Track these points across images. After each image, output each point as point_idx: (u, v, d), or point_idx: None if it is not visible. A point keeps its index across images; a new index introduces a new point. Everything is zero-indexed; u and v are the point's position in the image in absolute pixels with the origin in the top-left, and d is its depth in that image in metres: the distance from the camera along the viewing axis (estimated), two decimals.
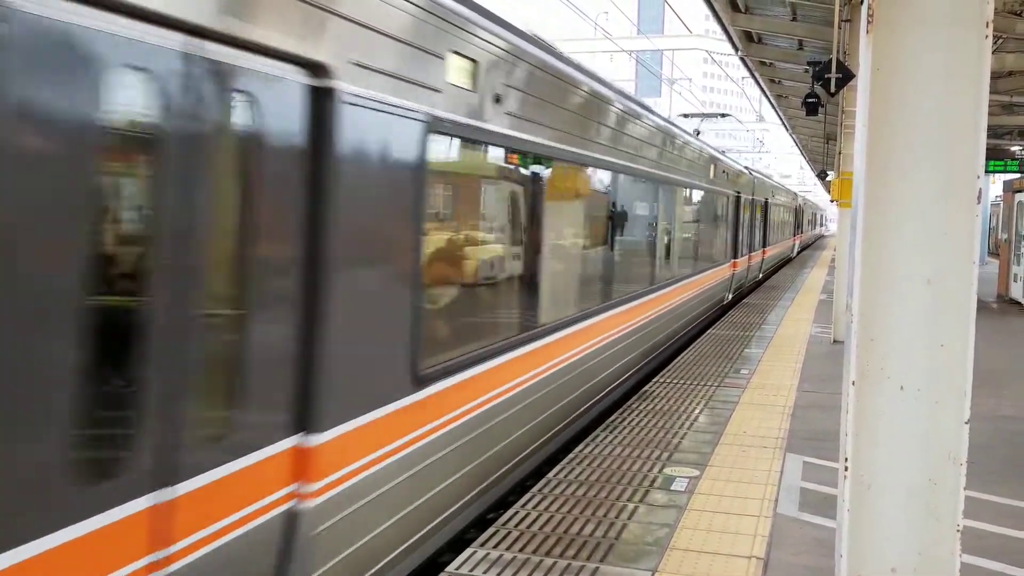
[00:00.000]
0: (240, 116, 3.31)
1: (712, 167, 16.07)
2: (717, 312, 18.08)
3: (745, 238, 21.55)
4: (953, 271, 3.06)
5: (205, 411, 3.21)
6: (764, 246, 26.33)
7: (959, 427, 3.10)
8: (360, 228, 4.08)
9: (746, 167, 23.09)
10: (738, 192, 19.85)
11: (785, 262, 37.69)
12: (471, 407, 5.43)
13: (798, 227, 46.60)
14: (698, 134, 19.26)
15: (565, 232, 7.71)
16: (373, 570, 4.43)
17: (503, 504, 6.52)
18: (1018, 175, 22.39)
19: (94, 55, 2.62)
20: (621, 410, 8.75)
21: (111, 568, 2.79)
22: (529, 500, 5.97)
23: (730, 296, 19.80)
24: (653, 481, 6.46)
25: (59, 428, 2.59)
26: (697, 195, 14.89)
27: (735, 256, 19.72)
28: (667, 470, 6.74)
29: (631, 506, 5.90)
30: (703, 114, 24.83)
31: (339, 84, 3.81)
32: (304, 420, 3.68)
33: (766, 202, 26.49)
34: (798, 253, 46.68)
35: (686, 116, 24.87)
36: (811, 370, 11.29)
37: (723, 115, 24.55)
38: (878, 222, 3.12)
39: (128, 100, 2.81)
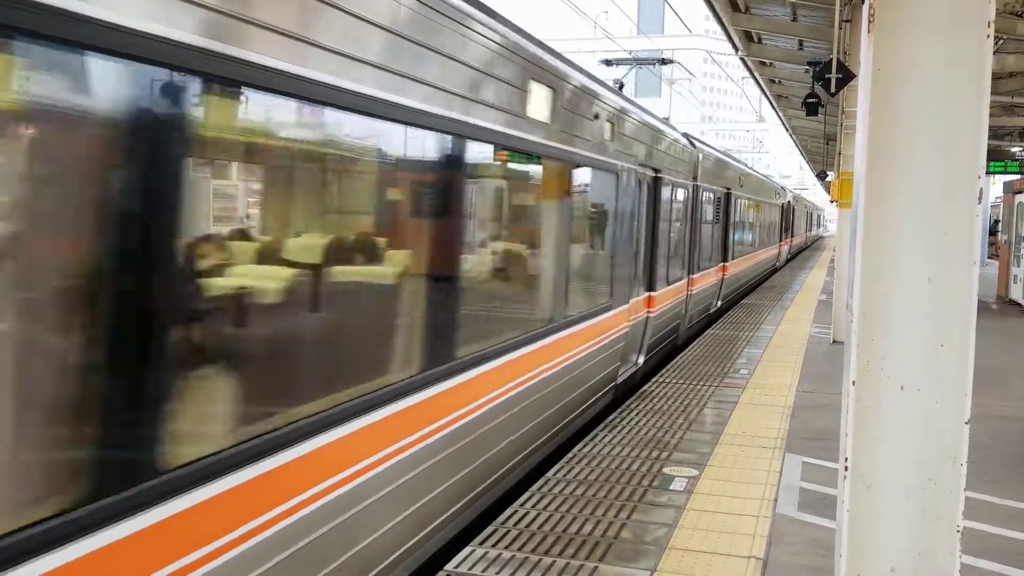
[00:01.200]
0: None
1: (596, 121, 8.07)
2: (606, 400, 9.41)
3: (678, 252, 12.92)
4: (954, 271, 3.06)
5: None
6: (724, 260, 17.81)
7: (959, 427, 3.10)
8: None
9: (686, 134, 14.17)
10: (657, 173, 10.97)
11: (770, 273, 30.31)
12: None
13: (786, 230, 36.84)
14: (622, 88, 13.75)
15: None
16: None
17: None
18: (1018, 176, 22.40)
19: None
20: (620, 410, 8.75)
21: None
22: (528, 499, 5.98)
23: (640, 360, 10.76)
24: (652, 481, 6.47)
25: None
26: (554, 172, 7.13)
27: (651, 287, 10.94)
28: (666, 470, 6.74)
29: (630, 505, 5.91)
30: (635, 60, 18.33)
31: None
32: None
33: (727, 195, 17.84)
34: (787, 261, 38.18)
35: (610, 63, 18.11)
36: (811, 370, 11.30)
37: (663, 61, 18.16)
38: (878, 222, 3.12)
39: None
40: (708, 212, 15.74)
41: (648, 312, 10.98)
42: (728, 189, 17.93)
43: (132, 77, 2.84)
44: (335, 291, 4.16)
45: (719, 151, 18.57)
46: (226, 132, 3.41)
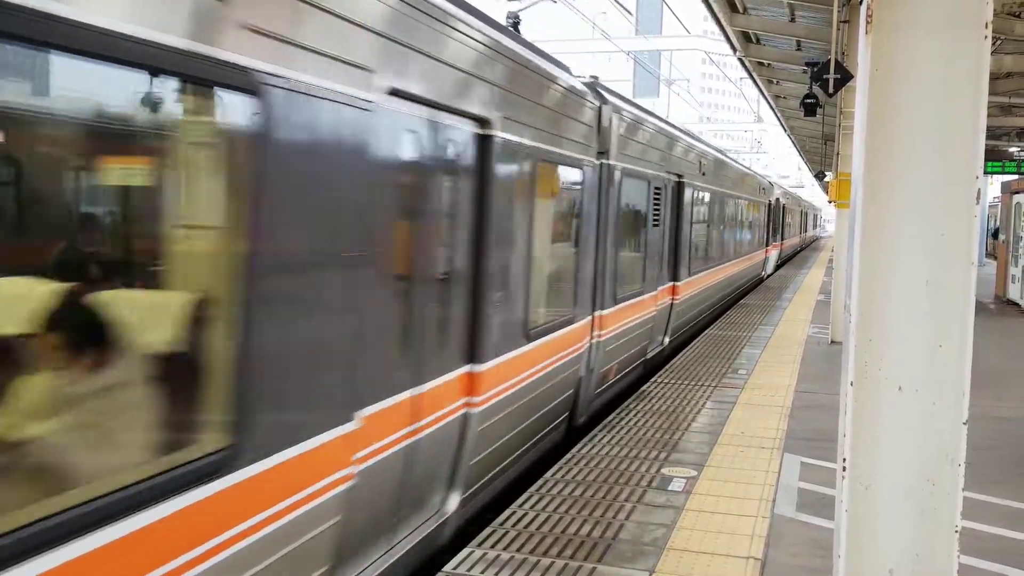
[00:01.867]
0: None
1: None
2: None
3: (567, 276, 8.01)
4: (952, 271, 3.06)
5: None
6: (674, 278, 12.60)
7: (957, 428, 3.10)
8: None
9: (593, 83, 9.16)
10: (484, 127, 5.63)
11: (754, 284, 25.23)
12: None
13: (775, 232, 31.43)
14: (516, 25, 10.77)
15: None
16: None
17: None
18: (1016, 176, 22.43)
19: None
20: (619, 410, 8.74)
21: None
22: (526, 500, 5.97)
23: (450, 504, 5.52)
24: (651, 481, 6.46)
25: None
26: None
27: (475, 356, 5.67)
28: (665, 470, 6.74)
29: (629, 506, 5.90)
30: None
31: None
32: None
33: (679, 185, 12.77)
34: (777, 268, 32.72)
35: None
36: (809, 370, 11.30)
37: None
38: (877, 222, 3.12)
39: None
40: (639, 209, 10.46)
41: (471, 405, 5.65)
42: (679, 177, 12.65)
43: None
44: None
45: (663, 120, 12.77)
46: None
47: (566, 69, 8.12)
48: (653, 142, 11.05)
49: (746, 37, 18.65)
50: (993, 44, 14.40)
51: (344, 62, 3.89)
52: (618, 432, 7.85)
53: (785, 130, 36.86)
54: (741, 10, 16.59)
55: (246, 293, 3.35)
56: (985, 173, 3.39)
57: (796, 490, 6.41)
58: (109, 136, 3.01)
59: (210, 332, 3.32)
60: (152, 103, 2.99)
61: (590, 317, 8.50)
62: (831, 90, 11.77)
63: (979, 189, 3.04)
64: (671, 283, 12.45)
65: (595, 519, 5.64)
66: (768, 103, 28.39)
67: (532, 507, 5.83)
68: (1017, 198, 20.80)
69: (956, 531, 3.13)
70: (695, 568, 4.94)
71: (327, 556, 4.03)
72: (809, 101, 15.07)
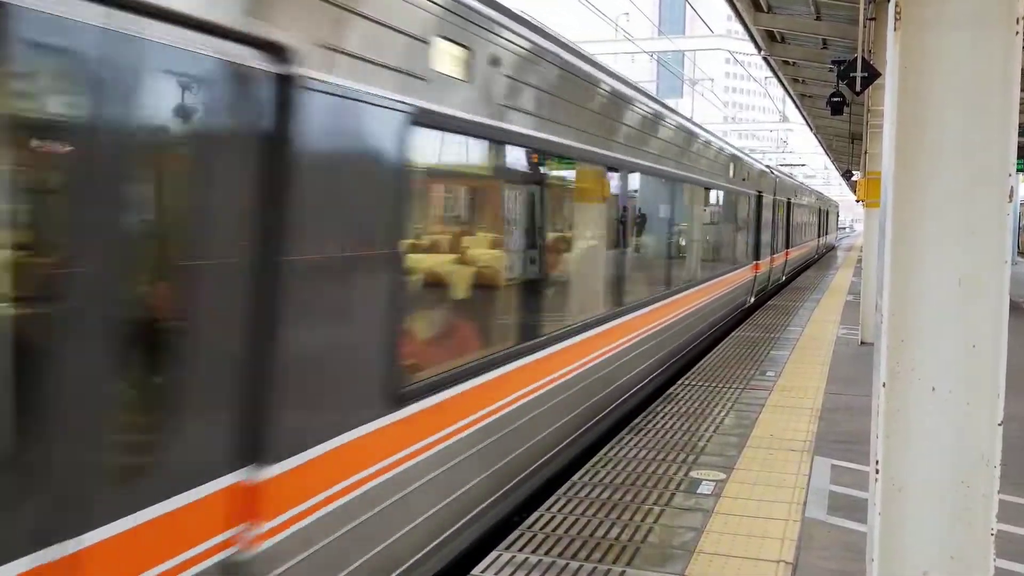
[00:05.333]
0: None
1: None
2: None
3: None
4: (985, 270, 3.02)
5: None
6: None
7: (992, 429, 3.06)
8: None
9: None
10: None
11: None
12: None
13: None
14: None
15: None
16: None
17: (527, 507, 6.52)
18: None
19: None
20: (646, 413, 8.72)
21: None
22: (554, 503, 5.96)
23: None
24: (679, 484, 6.43)
25: None
26: None
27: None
28: (693, 473, 6.70)
29: (657, 509, 5.88)
30: None
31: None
32: None
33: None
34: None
35: None
36: (838, 372, 11.19)
37: None
38: (908, 222, 3.08)
39: None
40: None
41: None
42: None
43: None
44: None
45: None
46: None
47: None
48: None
49: (771, 36, 18.53)
50: None
51: None
52: (646, 435, 7.82)
53: (811, 129, 36.56)
54: (766, 9, 16.49)
55: None
56: (1017, 171, 3.35)
57: (827, 493, 6.35)
58: None
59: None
60: None
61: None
62: (858, 88, 11.66)
63: (1012, 187, 3.00)
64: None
65: (623, 522, 5.62)
66: (794, 102, 28.18)
67: (560, 510, 5.82)
68: None
69: (992, 533, 3.09)
70: (725, 571, 4.90)
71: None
72: (836, 100, 14.95)
